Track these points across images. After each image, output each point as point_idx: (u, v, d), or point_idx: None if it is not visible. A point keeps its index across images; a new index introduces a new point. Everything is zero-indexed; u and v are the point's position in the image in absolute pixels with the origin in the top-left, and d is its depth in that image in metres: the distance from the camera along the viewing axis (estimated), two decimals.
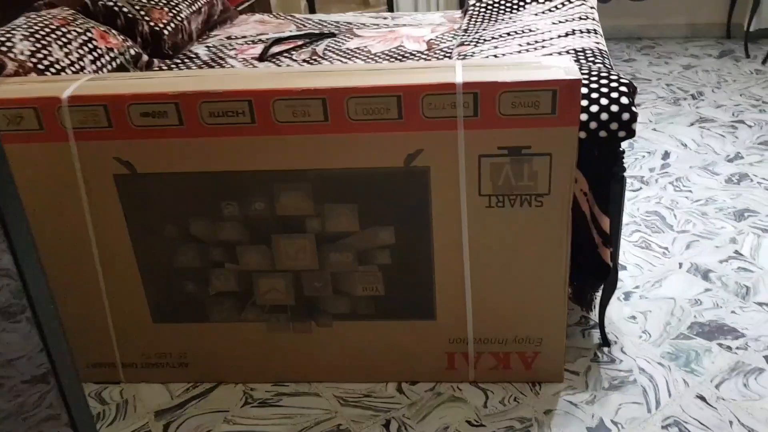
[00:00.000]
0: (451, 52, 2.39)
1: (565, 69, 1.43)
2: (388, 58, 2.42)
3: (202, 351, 1.77)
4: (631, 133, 1.60)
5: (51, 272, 1.68)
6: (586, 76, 1.71)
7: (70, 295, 1.71)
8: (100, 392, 1.81)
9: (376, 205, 1.55)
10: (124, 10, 2.63)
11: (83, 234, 1.63)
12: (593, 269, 1.69)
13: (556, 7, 2.58)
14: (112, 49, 2.35)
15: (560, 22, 2.42)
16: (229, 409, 1.73)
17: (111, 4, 2.63)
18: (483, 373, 1.72)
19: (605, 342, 1.83)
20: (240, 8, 3.54)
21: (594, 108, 1.61)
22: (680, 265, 2.15)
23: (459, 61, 1.51)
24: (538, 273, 1.58)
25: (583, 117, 1.60)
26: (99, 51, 2.30)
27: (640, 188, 2.64)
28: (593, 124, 1.60)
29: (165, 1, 2.76)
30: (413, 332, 1.69)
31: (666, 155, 2.88)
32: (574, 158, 1.46)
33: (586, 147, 1.59)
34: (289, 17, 3.10)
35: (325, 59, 2.44)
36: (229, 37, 2.82)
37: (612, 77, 1.69)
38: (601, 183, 1.63)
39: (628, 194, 2.58)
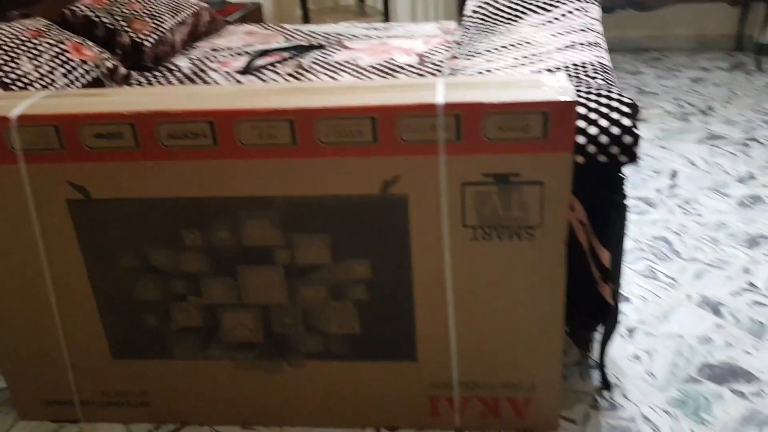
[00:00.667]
0: (442, 66, 2.25)
1: (558, 89, 1.29)
2: (376, 71, 2.28)
3: (165, 390, 1.63)
4: (633, 158, 1.45)
5: (2, 302, 1.56)
6: (584, 94, 1.57)
7: (24, 327, 1.58)
8: None
9: (350, 235, 1.41)
10: (104, 20, 2.51)
11: (35, 263, 1.50)
12: (592, 307, 1.54)
13: (556, 18, 2.44)
14: (86, 62, 2.23)
15: (560, 34, 2.28)
16: None
17: (90, 14, 2.51)
18: (470, 420, 1.57)
19: (606, 385, 1.67)
20: (231, 19, 3.42)
21: (592, 130, 1.47)
22: (688, 297, 2.00)
23: (441, 79, 1.37)
24: (530, 312, 1.43)
25: (581, 140, 1.46)
26: (72, 64, 2.18)
27: (646, 211, 2.48)
28: (591, 148, 1.46)
29: (147, 12, 2.64)
30: (392, 374, 1.54)
31: (673, 175, 2.73)
32: (569, 187, 1.32)
33: (583, 172, 1.45)
34: (278, 28, 2.98)
35: (311, 72, 2.31)
36: (214, 49, 2.70)
37: (613, 96, 1.54)
38: (600, 212, 1.49)
39: (633, 217, 2.43)
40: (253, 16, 3.69)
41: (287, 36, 2.82)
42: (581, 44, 2.11)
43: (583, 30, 2.28)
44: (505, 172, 1.31)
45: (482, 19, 2.57)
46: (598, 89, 1.60)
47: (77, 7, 2.51)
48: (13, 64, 2.01)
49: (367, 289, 1.46)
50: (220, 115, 1.32)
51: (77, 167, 1.40)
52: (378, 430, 1.60)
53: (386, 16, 3.84)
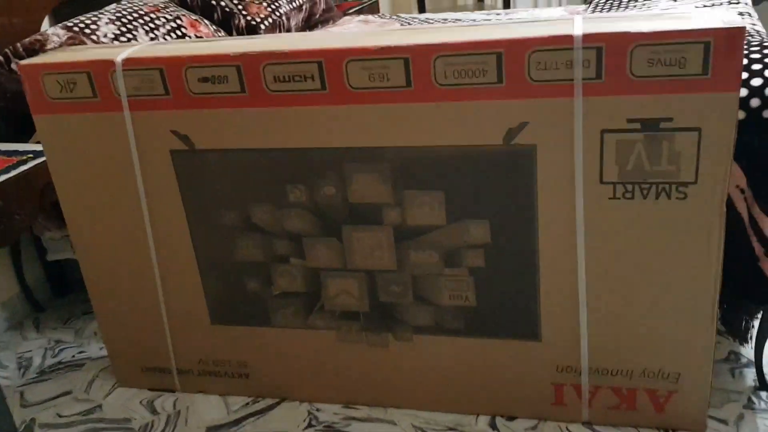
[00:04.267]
0: None
1: (722, 18, 1.10)
2: None
3: (265, 360, 1.53)
4: None
5: (103, 261, 1.52)
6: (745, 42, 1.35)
7: (124, 287, 1.53)
8: (152, 401, 1.61)
9: (468, 193, 1.26)
10: (222, 3, 2.51)
11: (138, 218, 1.45)
12: (751, 288, 1.32)
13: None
14: (201, 38, 2.22)
15: (705, 6, 2.05)
16: None
17: None
18: (600, 413, 1.37)
19: (762, 385, 1.42)
20: (349, 12, 3.38)
21: (756, 81, 1.26)
22: None
23: (579, 15, 1.21)
24: (678, 288, 1.22)
25: (742, 92, 1.25)
26: (187, 39, 2.17)
27: None
28: (755, 102, 1.25)
29: None
30: (511, 354, 1.37)
31: None
32: (732, 135, 1.11)
33: (744, 131, 1.24)
34: (394, 17, 2.89)
35: None
36: None
37: None
38: (763, 178, 1.27)
39: None
40: (371, 10, 3.65)
41: (403, 24, 2.73)
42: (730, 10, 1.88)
43: (730, 2, 2.05)
44: (654, 117, 1.12)
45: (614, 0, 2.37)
46: (760, 40, 1.39)
47: None
48: (129, 36, 2.02)
49: (485, 256, 1.30)
50: (329, 54, 1.21)
51: (181, 115, 1.34)
52: (493, 419, 1.43)
53: (506, 4, 3.68)
